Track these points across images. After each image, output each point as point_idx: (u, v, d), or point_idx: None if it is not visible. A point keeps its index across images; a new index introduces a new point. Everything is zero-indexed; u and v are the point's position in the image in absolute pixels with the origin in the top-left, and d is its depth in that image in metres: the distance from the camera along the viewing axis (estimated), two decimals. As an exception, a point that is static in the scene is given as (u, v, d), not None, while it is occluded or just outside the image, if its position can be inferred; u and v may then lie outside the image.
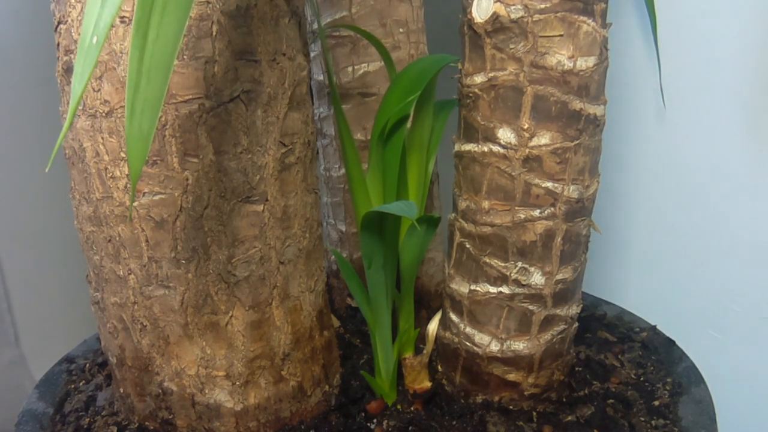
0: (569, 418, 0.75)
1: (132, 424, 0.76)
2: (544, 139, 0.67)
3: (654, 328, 0.93)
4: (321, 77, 0.89)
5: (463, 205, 0.74)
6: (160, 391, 0.72)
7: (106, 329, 0.74)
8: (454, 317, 0.77)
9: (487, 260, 0.72)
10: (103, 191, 0.66)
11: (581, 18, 0.64)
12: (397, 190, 0.75)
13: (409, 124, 0.74)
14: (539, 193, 0.68)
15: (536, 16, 0.64)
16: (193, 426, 0.73)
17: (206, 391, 0.71)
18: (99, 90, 0.62)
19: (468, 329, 0.76)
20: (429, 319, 0.83)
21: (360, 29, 0.78)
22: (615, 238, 1.07)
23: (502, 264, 0.72)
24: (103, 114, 0.63)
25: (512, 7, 0.64)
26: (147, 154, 0.41)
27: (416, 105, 0.72)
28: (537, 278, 0.71)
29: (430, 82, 0.74)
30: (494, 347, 0.74)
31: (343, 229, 0.93)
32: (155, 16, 0.39)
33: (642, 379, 0.83)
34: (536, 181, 0.68)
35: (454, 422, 0.75)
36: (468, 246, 0.74)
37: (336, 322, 0.95)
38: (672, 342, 0.89)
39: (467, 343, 0.76)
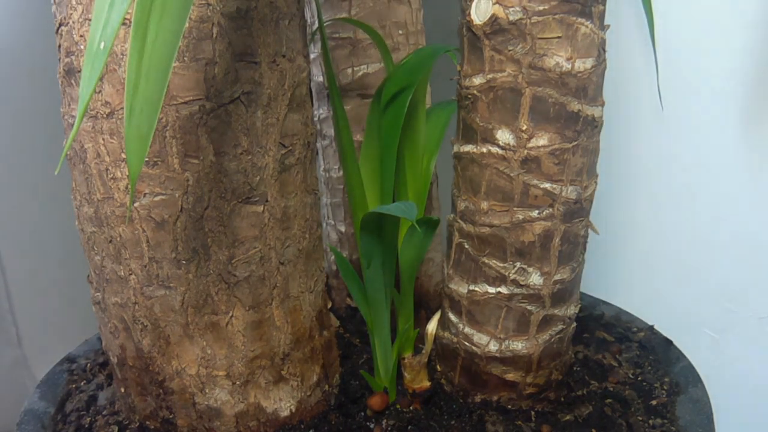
0: (567, 417, 0.75)
1: (133, 423, 0.77)
2: (542, 140, 0.67)
3: (651, 328, 0.93)
4: (320, 78, 0.89)
5: (461, 205, 0.74)
6: (161, 390, 0.72)
7: (107, 329, 0.74)
8: (453, 317, 0.78)
9: (486, 261, 0.73)
10: (104, 192, 0.66)
11: (579, 20, 0.64)
12: (394, 188, 0.75)
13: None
14: (537, 194, 0.69)
15: (535, 18, 0.64)
16: (193, 425, 0.73)
17: (207, 391, 0.72)
18: (100, 91, 0.63)
19: (467, 329, 0.76)
20: (428, 319, 0.83)
21: (359, 22, 0.78)
22: (613, 238, 1.08)
23: (501, 264, 0.72)
24: (104, 115, 0.63)
25: (511, 9, 0.64)
26: (146, 155, 0.42)
27: (409, 104, 0.72)
28: (535, 278, 0.72)
29: (422, 81, 0.74)
30: (493, 347, 0.75)
31: (343, 229, 0.94)
32: (154, 18, 0.39)
33: (640, 378, 0.83)
34: (534, 182, 0.68)
35: (453, 422, 0.75)
36: (467, 246, 0.74)
37: (335, 322, 0.95)
38: (669, 342, 0.89)
39: (466, 343, 0.76)
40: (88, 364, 0.92)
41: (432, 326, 0.82)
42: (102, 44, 0.38)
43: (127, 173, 0.64)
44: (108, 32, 0.38)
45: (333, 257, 0.96)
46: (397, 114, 0.72)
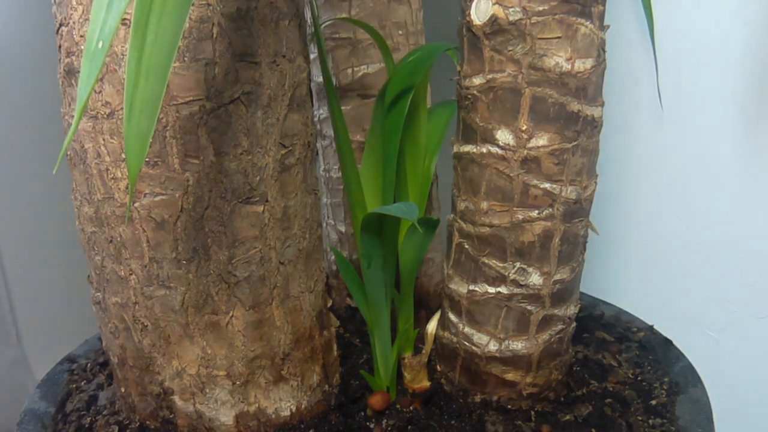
0: (567, 417, 0.75)
1: (133, 423, 0.77)
2: (542, 140, 0.67)
3: (651, 327, 0.93)
4: (321, 79, 0.89)
5: (461, 205, 0.74)
6: (161, 390, 0.73)
7: (107, 329, 0.74)
8: (452, 317, 0.78)
9: (486, 261, 0.73)
10: (105, 192, 0.66)
11: (579, 20, 0.64)
12: (395, 188, 0.75)
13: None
14: (537, 194, 0.69)
15: (534, 19, 0.64)
16: (193, 425, 0.73)
17: (207, 391, 0.72)
18: (100, 92, 0.63)
19: (467, 329, 0.76)
20: (428, 319, 0.84)
21: (360, 22, 0.78)
22: (613, 238, 1.08)
23: (501, 264, 0.72)
24: (105, 115, 0.63)
25: (511, 10, 0.64)
26: (145, 155, 0.42)
27: (410, 104, 0.72)
28: (535, 278, 0.72)
29: (423, 81, 0.74)
30: (493, 347, 0.75)
31: (343, 229, 0.94)
32: (153, 18, 0.39)
33: (639, 378, 0.83)
34: (534, 182, 0.68)
35: (453, 421, 0.75)
36: (467, 246, 0.74)
37: (335, 322, 0.95)
38: (669, 342, 0.89)
39: (466, 343, 0.76)
40: (89, 364, 0.92)
41: (432, 326, 0.82)
42: (100, 43, 0.38)
43: (128, 173, 0.65)
44: (106, 32, 0.38)
45: (333, 257, 0.96)
46: (398, 114, 0.72)
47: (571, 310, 0.76)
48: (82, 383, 0.88)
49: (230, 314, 0.69)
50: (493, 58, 0.67)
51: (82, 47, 0.64)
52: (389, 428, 0.75)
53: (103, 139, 0.64)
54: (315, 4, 0.83)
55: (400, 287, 0.78)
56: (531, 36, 0.64)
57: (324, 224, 0.97)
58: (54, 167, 0.46)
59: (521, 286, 0.72)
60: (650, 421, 0.75)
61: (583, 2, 0.64)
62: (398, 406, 0.79)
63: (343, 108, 0.87)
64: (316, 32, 0.68)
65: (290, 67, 0.68)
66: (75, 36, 0.63)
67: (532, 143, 0.67)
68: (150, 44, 0.39)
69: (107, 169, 0.65)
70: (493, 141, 0.69)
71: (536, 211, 0.69)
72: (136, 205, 0.65)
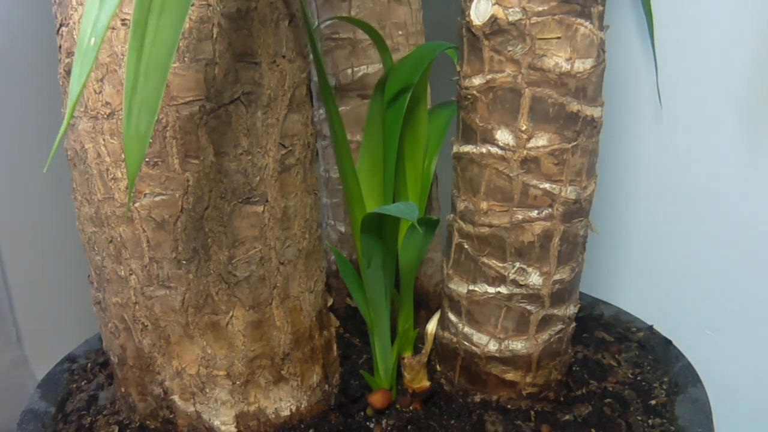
0: (567, 417, 0.76)
1: (133, 423, 0.77)
2: (541, 140, 0.67)
3: (651, 327, 0.93)
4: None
5: (461, 205, 0.74)
6: (161, 390, 0.73)
7: (107, 329, 0.74)
8: (452, 317, 0.78)
9: (486, 261, 0.73)
10: (105, 192, 0.66)
11: (579, 20, 0.65)
12: (394, 188, 0.75)
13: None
14: (537, 194, 0.69)
15: (534, 19, 0.64)
16: (193, 425, 0.73)
17: (207, 391, 0.72)
18: (100, 92, 0.63)
19: (466, 329, 0.76)
20: (428, 319, 0.84)
21: (359, 21, 0.78)
22: (612, 238, 1.08)
23: (500, 264, 0.72)
24: (105, 116, 0.64)
25: (510, 10, 0.64)
26: (144, 155, 0.42)
27: (409, 103, 0.72)
28: (535, 278, 0.72)
29: (423, 80, 0.74)
30: (492, 347, 0.75)
31: (343, 229, 0.94)
32: (152, 18, 0.39)
33: (639, 378, 0.83)
34: (534, 182, 0.68)
35: (453, 421, 0.75)
36: (466, 246, 0.74)
37: (335, 322, 0.95)
38: (669, 342, 0.89)
39: (466, 343, 0.76)
40: (89, 364, 0.92)
41: (432, 326, 0.82)
42: (92, 40, 0.38)
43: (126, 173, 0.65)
44: (98, 28, 0.38)
45: (333, 257, 0.96)
46: (397, 111, 0.72)
47: (571, 310, 0.76)
48: (83, 383, 0.88)
49: (230, 314, 0.69)
50: (493, 59, 0.67)
51: (83, 47, 0.63)
52: (389, 428, 0.75)
53: (103, 140, 0.64)
54: (305, 6, 0.83)
55: (400, 287, 0.78)
56: (531, 36, 0.64)
57: (324, 224, 0.97)
58: (54, 167, 0.46)
59: (521, 286, 0.72)
60: (650, 421, 0.75)
61: (582, 2, 0.64)
62: (398, 406, 0.79)
63: (342, 108, 0.87)
64: (309, 33, 0.68)
65: (290, 67, 0.68)
66: (75, 36, 0.64)
67: (532, 143, 0.67)
68: (149, 44, 0.39)
69: (107, 170, 0.65)
70: (492, 141, 0.69)
71: (536, 211, 0.69)
72: (136, 205, 0.65)
